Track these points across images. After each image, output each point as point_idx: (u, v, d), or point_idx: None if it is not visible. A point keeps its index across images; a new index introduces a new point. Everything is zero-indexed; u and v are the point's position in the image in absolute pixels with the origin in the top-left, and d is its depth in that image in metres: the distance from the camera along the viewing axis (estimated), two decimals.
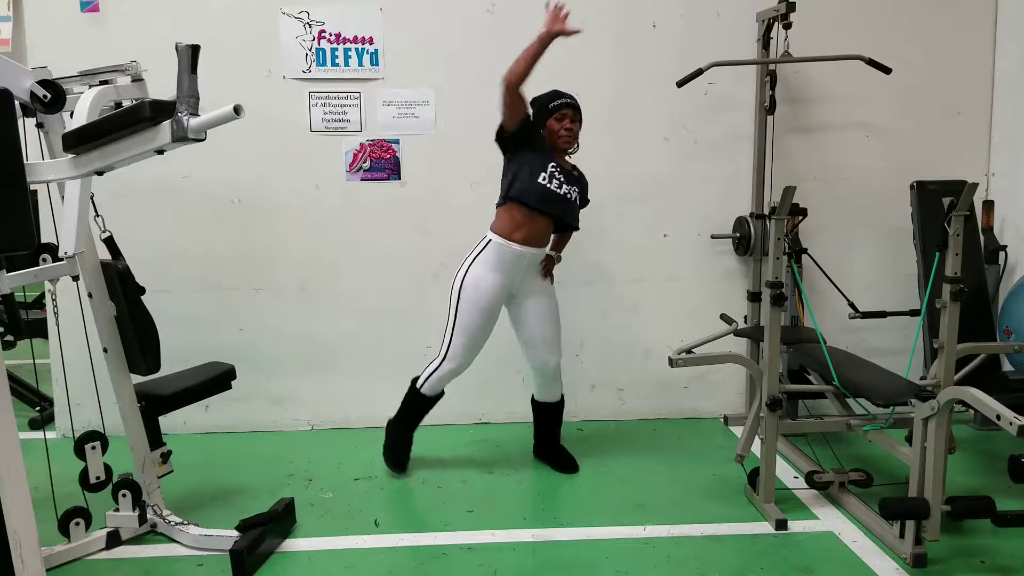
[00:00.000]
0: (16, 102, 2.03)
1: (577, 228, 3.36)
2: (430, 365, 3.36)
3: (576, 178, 3.28)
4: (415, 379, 3.41)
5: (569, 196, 3.20)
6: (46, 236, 3.38)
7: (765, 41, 3.83)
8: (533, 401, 3.49)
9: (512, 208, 3.17)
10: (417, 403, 3.41)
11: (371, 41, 3.83)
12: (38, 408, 4.16)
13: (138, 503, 2.82)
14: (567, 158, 3.31)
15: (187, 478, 3.31)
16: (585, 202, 3.37)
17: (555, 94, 3.22)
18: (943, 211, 2.82)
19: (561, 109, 3.19)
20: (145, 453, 2.86)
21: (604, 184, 3.98)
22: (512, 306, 3.34)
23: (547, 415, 3.48)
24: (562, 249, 3.48)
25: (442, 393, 3.44)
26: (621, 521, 2.98)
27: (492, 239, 3.20)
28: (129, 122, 2.12)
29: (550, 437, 3.51)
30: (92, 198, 2.63)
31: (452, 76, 3.87)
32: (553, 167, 3.15)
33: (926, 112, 4.04)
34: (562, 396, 3.46)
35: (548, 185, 3.12)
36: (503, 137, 3.19)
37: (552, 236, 3.35)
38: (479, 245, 3.24)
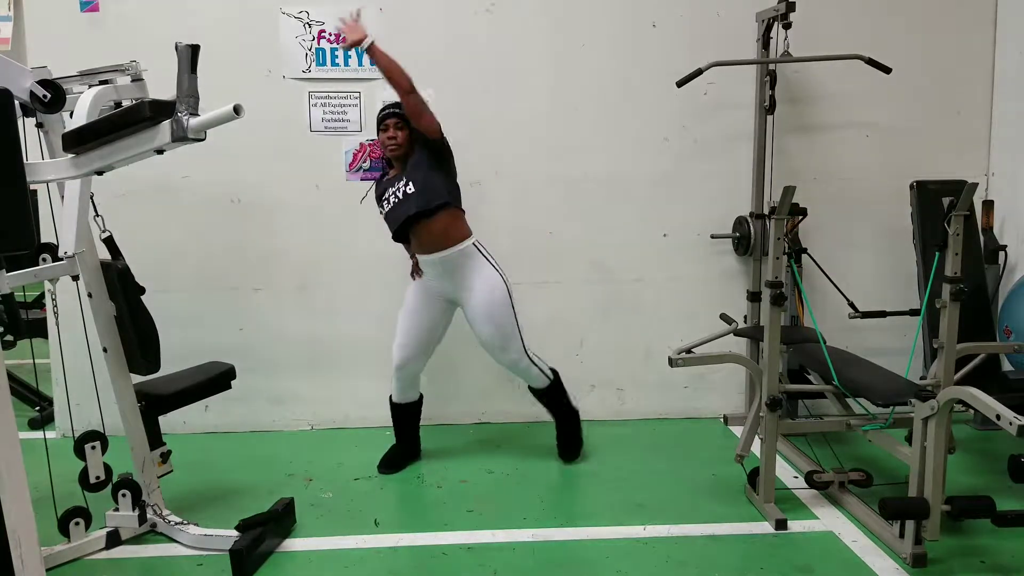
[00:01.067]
0: (16, 102, 2.03)
1: (417, 218, 3.18)
2: None
3: (414, 167, 3.18)
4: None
5: (399, 197, 3.18)
6: (46, 236, 3.38)
7: (765, 41, 3.83)
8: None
9: None
10: (392, 409, 3.52)
11: None
12: (38, 408, 4.16)
13: (138, 503, 2.82)
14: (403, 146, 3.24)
15: (187, 478, 3.31)
16: (428, 183, 3.17)
17: (382, 108, 3.29)
18: (943, 211, 2.82)
19: (382, 122, 3.23)
20: (145, 453, 2.86)
21: (604, 184, 3.99)
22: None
23: (539, 399, 3.51)
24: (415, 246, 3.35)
25: (418, 399, 3.52)
26: (621, 521, 2.98)
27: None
28: (129, 122, 2.12)
29: (554, 418, 3.53)
30: (92, 198, 2.64)
31: (452, 76, 3.87)
32: (387, 184, 3.24)
33: (926, 112, 4.04)
34: (549, 382, 3.43)
35: (385, 210, 3.25)
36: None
37: (429, 227, 3.20)
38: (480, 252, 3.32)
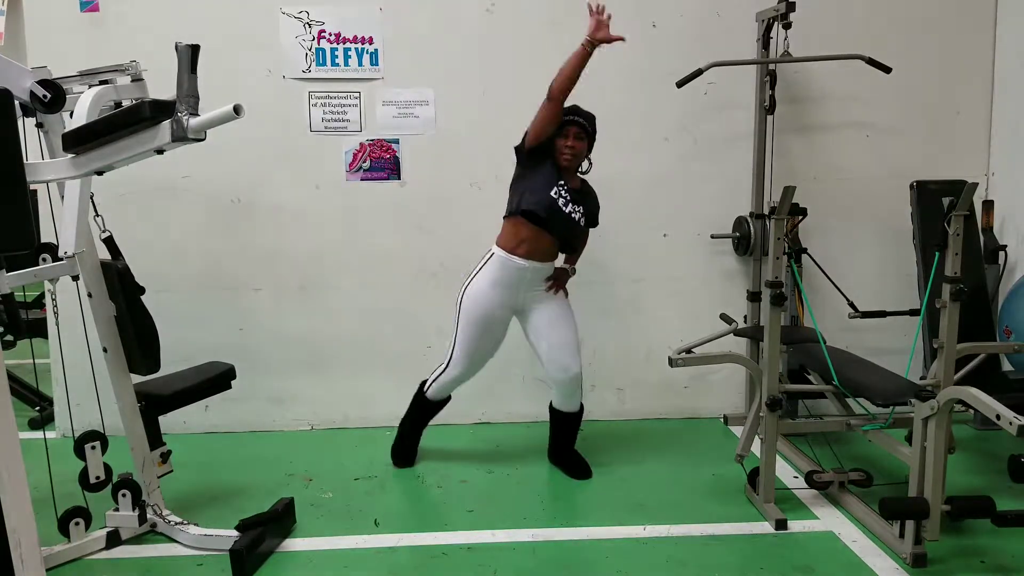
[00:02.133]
0: (16, 102, 2.03)
1: (580, 250, 3.35)
2: (436, 370, 3.40)
3: (583, 196, 3.23)
4: (423, 382, 3.45)
5: (574, 216, 3.16)
6: (46, 236, 3.38)
7: (765, 41, 3.83)
8: (551, 408, 3.45)
9: (518, 222, 3.15)
10: (423, 406, 3.47)
11: (371, 41, 3.82)
12: (38, 408, 4.16)
13: (138, 503, 2.82)
14: (579, 175, 3.27)
15: (187, 478, 3.31)
16: (594, 222, 3.32)
17: (567, 110, 3.15)
18: (943, 211, 2.82)
19: (566, 127, 3.14)
20: (145, 453, 2.86)
21: (604, 184, 3.97)
22: (524, 318, 3.32)
23: (564, 424, 3.44)
24: (574, 263, 3.45)
25: (448, 398, 3.49)
26: (621, 521, 2.98)
27: (496, 253, 3.20)
28: (129, 122, 2.12)
29: (566, 443, 3.48)
30: (92, 198, 2.63)
31: (452, 76, 3.87)
32: (561, 184, 3.14)
33: (926, 112, 4.04)
34: (581, 406, 3.42)
35: (556, 200, 3.11)
36: (523, 147, 3.17)
37: (561, 254, 3.31)
38: (483, 259, 3.24)
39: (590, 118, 3.19)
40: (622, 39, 2.97)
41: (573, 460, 3.46)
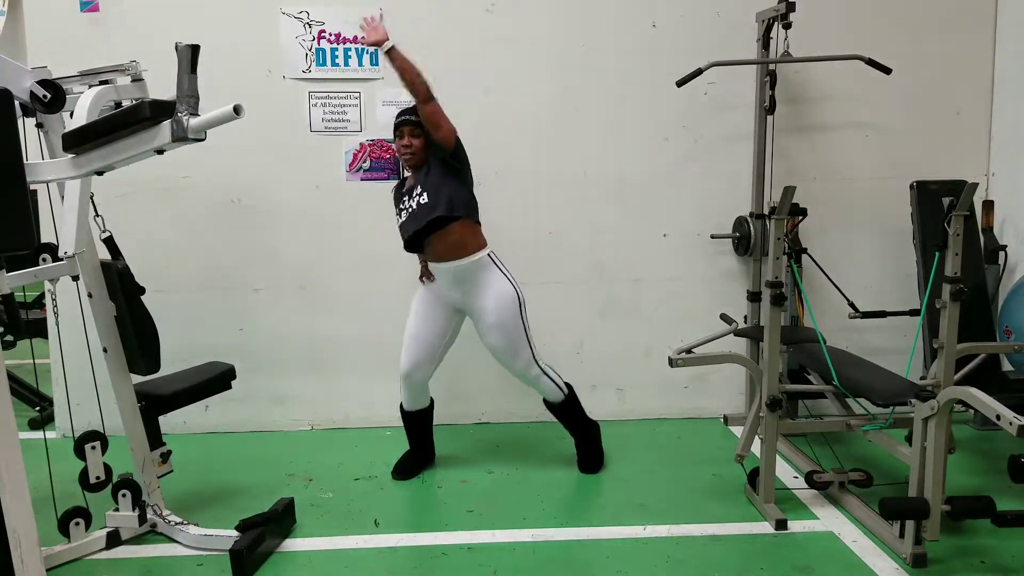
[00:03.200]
0: (16, 102, 2.03)
1: (431, 230, 3.15)
2: None
3: (429, 174, 3.14)
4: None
5: (412, 208, 3.14)
6: (46, 236, 3.38)
7: (765, 41, 3.83)
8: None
9: None
10: (403, 417, 3.48)
11: None
12: (38, 408, 4.16)
13: (138, 503, 2.82)
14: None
15: (187, 478, 3.31)
16: (448, 193, 3.12)
17: (398, 113, 3.22)
18: (943, 211, 2.82)
19: (397, 129, 3.19)
20: (145, 453, 2.86)
21: (604, 184, 3.99)
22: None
23: (554, 413, 3.47)
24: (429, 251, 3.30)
25: (428, 405, 3.48)
26: (621, 521, 2.98)
27: None
28: (129, 122, 2.12)
29: (569, 431, 3.49)
30: (92, 198, 2.63)
31: (452, 76, 3.86)
32: (405, 193, 3.20)
33: (926, 112, 4.04)
34: (564, 395, 3.38)
35: (400, 220, 3.21)
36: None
37: (442, 237, 3.17)
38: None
39: (415, 110, 3.13)
40: (386, 39, 3.00)
41: (579, 450, 3.48)
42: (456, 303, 3.29)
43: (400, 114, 3.21)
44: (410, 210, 3.15)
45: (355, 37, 3.03)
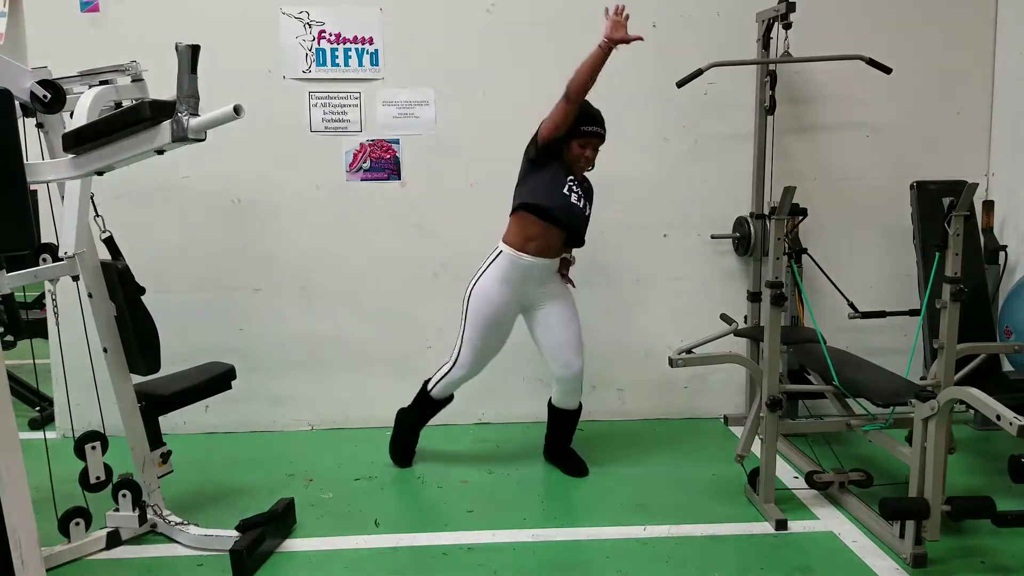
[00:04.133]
0: (16, 102, 2.03)
1: (584, 243, 3.33)
2: (441, 369, 3.39)
3: (587, 191, 3.27)
4: (427, 380, 3.45)
5: (586, 212, 3.21)
6: (46, 236, 3.38)
7: (765, 41, 3.83)
8: (550, 405, 3.46)
9: (526, 219, 3.15)
10: (426, 404, 3.47)
11: (371, 41, 3.82)
12: (38, 408, 4.16)
13: (138, 503, 2.82)
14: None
15: (187, 478, 3.31)
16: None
17: (589, 117, 3.16)
18: (943, 211, 2.82)
19: (589, 137, 3.16)
20: (145, 453, 2.86)
21: (604, 184, 3.97)
22: (529, 315, 3.33)
23: (563, 421, 3.45)
24: (571, 251, 3.45)
25: (451, 397, 3.49)
26: (621, 521, 2.98)
27: (504, 251, 3.20)
28: (129, 122, 2.12)
29: (563, 441, 3.49)
30: (92, 198, 2.63)
31: (452, 76, 3.87)
32: (571, 180, 3.16)
33: (926, 112, 4.04)
34: (580, 405, 3.43)
35: (570, 197, 3.13)
36: (535, 144, 3.18)
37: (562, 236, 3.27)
38: (491, 256, 3.24)
39: (604, 121, 3.21)
40: (640, 39, 2.97)
41: (570, 458, 3.46)
42: (531, 299, 3.28)
43: (592, 121, 3.15)
44: (584, 211, 3.19)
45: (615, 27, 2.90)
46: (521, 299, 3.26)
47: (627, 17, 2.96)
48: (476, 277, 3.25)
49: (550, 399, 3.46)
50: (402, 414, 3.54)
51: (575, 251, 3.46)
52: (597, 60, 2.96)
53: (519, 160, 3.92)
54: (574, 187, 3.15)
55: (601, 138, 3.19)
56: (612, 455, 3.60)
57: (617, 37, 2.93)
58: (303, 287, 3.96)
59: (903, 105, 4.02)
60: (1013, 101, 3.96)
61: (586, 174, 3.30)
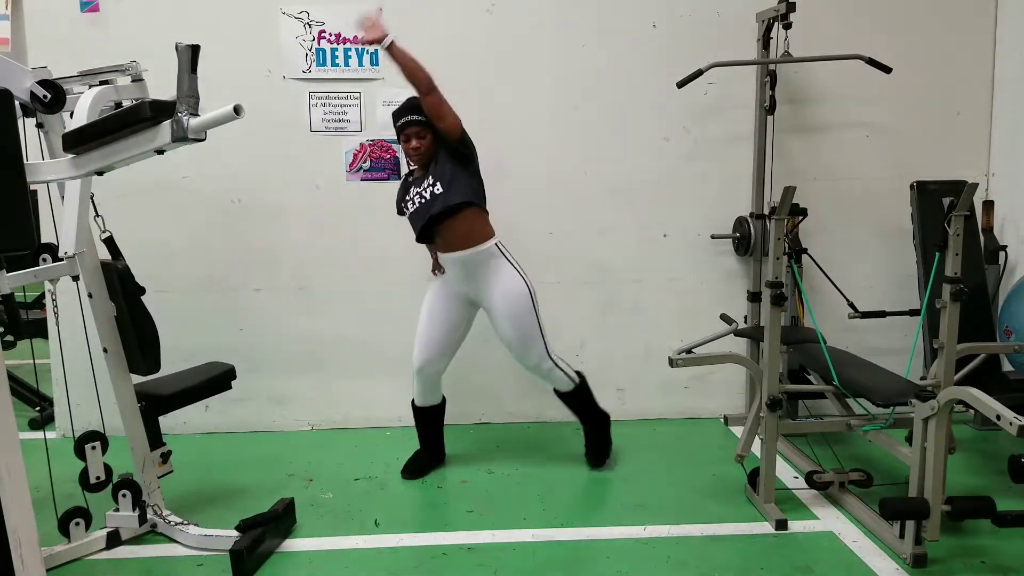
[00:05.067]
0: (16, 102, 2.03)
1: (439, 221, 3.14)
2: None
3: (439, 166, 3.13)
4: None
5: (425, 197, 3.12)
6: (46, 236, 3.38)
7: (765, 41, 3.83)
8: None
9: None
10: (414, 413, 3.48)
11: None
12: (38, 408, 4.16)
13: (138, 503, 2.82)
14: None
15: (187, 478, 3.31)
16: (452, 181, 3.12)
17: (396, 113, 3.18)
18: (943, 211, 2.83)
19: (403, 131, 3.16)
20: (145, 453, 2.86)
21: (604, 184, 3.99)
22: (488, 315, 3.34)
23: (566, 403, 3.47)
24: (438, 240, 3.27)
25: (441, 401, 3.48)
26: (621, 521, 2.98)
27: None
28: (129, 122, 2.12)
29: (580, 422, 3.50)
30: (92, 198, 2.63)
31: (452, 76, 3.85)
32: (412, 184, 3.21)
33: (926, 112, 4.04)
34: (575, 385, 3.38)
35: (409, 211, 3.20)
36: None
37: (453, 225, 3.15)
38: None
39: (415, 107, 3.12)
40: (386, 35, 2.97)
41: (587, 440, 3.50)
42: (468, 295, 3.28)
43: (399, 115, 3.16)
44: (421, 200, 3.13)
45: (355, 37, 3.01)
46: (453, 291, 3.30)
47: (373, 23, 3.00)
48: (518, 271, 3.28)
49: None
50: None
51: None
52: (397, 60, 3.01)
53: (519, 160, 3.95)
54: (413, 191, 3.18)
55: (415, 123, 3.13)
56: (613, 455, 3.60)
57: (369, 39, 2.99)
58: (303, 287, 3.96)
59: (903, 105, 4.02)
60: (1013, 101, 3.96)
61: (441, 151, 3.17)
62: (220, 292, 3.93)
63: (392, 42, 2.99)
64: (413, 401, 3.44)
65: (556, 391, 3.43)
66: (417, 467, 3.45)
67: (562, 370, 3.33)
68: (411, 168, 3.30)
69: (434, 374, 3.36)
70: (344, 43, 3.82)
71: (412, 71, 3.00)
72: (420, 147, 3.14)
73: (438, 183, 3.10)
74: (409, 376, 3.47)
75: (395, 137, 3.80)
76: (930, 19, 3.99)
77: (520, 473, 3.44)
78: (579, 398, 3.43)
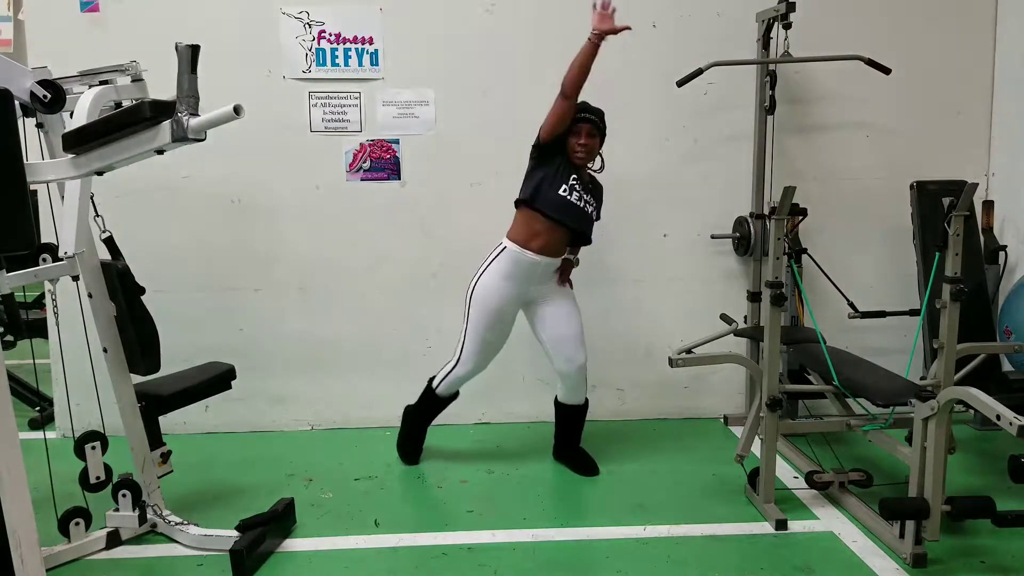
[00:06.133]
0: (16, 102, 2.03)
1: (590, 242, 3.34)
2: (446, 367, 3.40)
3: (593, 190, 3.28)
4: (432, 378, 3.46)
5: (587, 209, 3.21)
6: (46, 236, 3.38)
7: (765, 41, 3.83)
8: (556, 403, 3.47)
9: (530, 216, 3.17)
10: (431, 402, 3.48)
11: (371, 41, 3.82)
12: (38, 408, 4.16)
13: (138, 503, 2.82)
14: (588, 170, 3.29)
15: (187, 478, 3.31)
16: (598, 216, 3.34)
17: (578, 108, 3.17)
18: (943, 211, 2.82)
19: (578, 124, 3.16)
20: (145, 453, 2.86)
21: (604, 184, 3.98)
22: (531, 311, 3.34)
23: (570, 418, 3.46)
24: (576, 253, 3.46)
25: (456, 394, 3.51)
26: (621, 521, 2.98)
27: (507, 247, 3.21)
28: (129, 122, 2.12)
29: (571, 439, 3.49)
30: (92, 198, 2.63)
31: (452, 76, 3.87)
32: (574, 179, 3.16)
33: (926, 112, 4.04)
34: (587, 400, 3.44)
35: (568, 197, 3.13)
36: (538, 143, 3.19)
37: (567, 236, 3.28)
38: (494, 252, 3.24)
39: (600, 114, 3.22)
40: (628, 28, 2.99)
41: (579, 456, 3.47)
42: (531, 297, 3.29)
43: (581, 110, 3.16)
44: (585, 206, 3.19)
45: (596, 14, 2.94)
46: (522, 295, 3.27)
47: (614, 10, 2.99)
48: (479, 273, 3.25)
49: (556, 397, 3.46)
50: (409, 411, 3.56)
51: (583, 251, 3.46)
52: (588, 54, 2.98)
53: (519, 160, 3.92)
54: (576, 186, 3.16)
55: (591, 123, 3.17)
56: (612, 455, 3.60)
57: (605, 28, 2.96)
58: (303, 287, 3.96)
59: (903, 105, 4.02)
60: (1013, 101, 3.96)
61: (596, 175, 3.31)
62: (220, 292, 3.93)
63: (603, 40, 2.98)
64: (436, 392, 3.44)
65: (566, 405, 3.43)
66: (418, 451, 3.54)
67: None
68: (571, 170, 3.19)
69: (581, 367, 3.35)
70: (344, 43, 3.82)
71: (585, 71, 3.00)
72: (589, 145, 3.17)
73: (593, 200, 3.24)
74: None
75: (395, 137, 3.87)
76: (930, 19, 3.99)
77: (520, 473, 3.44)
78: (583, 415, 3.47)
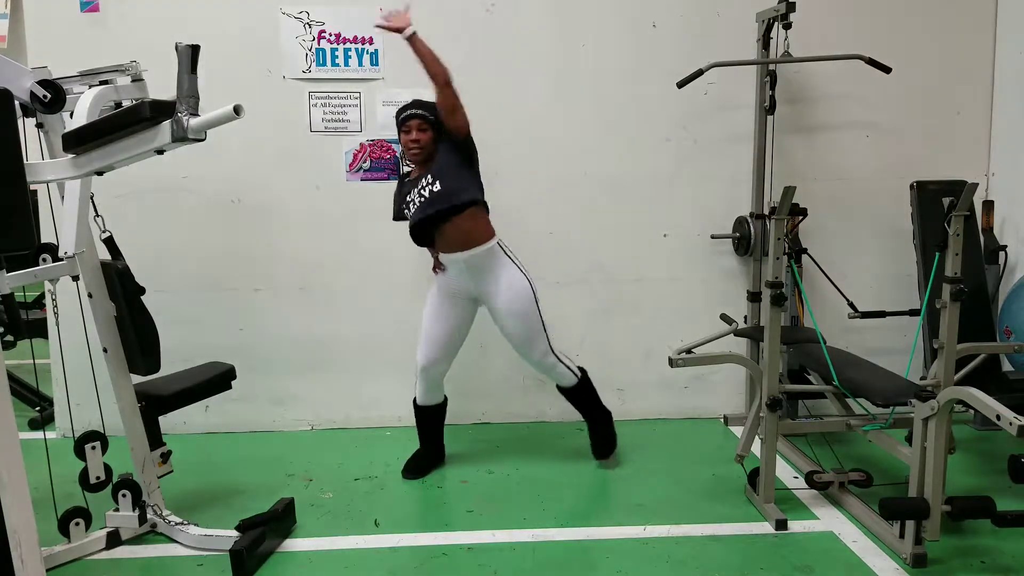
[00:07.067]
0: (16, 102, 2.03)
1: (458, 204, 3.11)
2: None
3: (435, 164, 3.14)
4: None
5: (424, 197, 3.12)
6: (46, 236, 3.38)
7: (765, 41, 3.83)
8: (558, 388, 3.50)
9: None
10: (416, 412, 3.48)
11: (371, 41, 3.83)
12: (38, 408, 4.16)
13: (138, 503, 2.82)
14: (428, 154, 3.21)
15: (187, 478, 3.31)
16: (456, 184, 3.12)
17: (400, 109, 3.21)
18: (943, 211, 2.82)
19: (405, 122, 3.17)
20: (145, 453, 2.86)
21: (605, 184, 3.99)
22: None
23: (568, 398, 3.49)
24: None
25: (443, 400, 3.48)
26: (621, 521, 2.98)
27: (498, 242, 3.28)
28: (129, 122, 2.12)
29: (586, 416, 3.52)
30: (92, 198, 2.63)
31: (452, 76, 3.86)
32: (410, 185, 3.20)
33: (926, 112, 4.04)
34: (577, 381, 3.40)
35: (408, 212, 3.20)
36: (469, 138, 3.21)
37: (456, 225, 3.14)
38: (507, 250, 3.29)
39: (429, 107, 3.17)
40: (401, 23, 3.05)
41: (593, 436, 3.52)
42: (471, 293, 3.28)
43: (403, 109, 3.19)
44: (422, 198, 3.13)
45: (378, 22, 2.98)
46: (450, 288, 3.28)
47: (394, 13, 3.08)
48: (523, 272, 3.26)
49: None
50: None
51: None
52: (417, 51, 3.05)
53: (518, 160, 3.95)
54: (412, 192, 3.17)
55: (419, 118, 3.15)
56: (613, 455, 3.60)
57: (389, 26, 3.06)
58: (303, 287, 3.96)
59: (903, 105, 4.02)
60: (1013, 101, 3.96)
61: (441, 145, 3.17)
62: (220, 292, 3.93)
63: (414, 33, 3.03)
64: (415, 400, 3.45)
65: (559, 387, 3.45)
66: (417, 466, 3.45)
67: (565, 365, 3.36)
68: (407, 169, 3.30)
69: (438, 373, 3.37)
70: (344, 43, 3.82)
71: (431, 63, 3.04)
72: (420, 140, 3.15)
73: (437, 182, 3.10)
74: (410, 376, 3.47)
75: (395, 137, 3.86)
76: (930, 19, 3.99)
77: (520, 473, 3.44)
78: (582, 393, 3.46)
